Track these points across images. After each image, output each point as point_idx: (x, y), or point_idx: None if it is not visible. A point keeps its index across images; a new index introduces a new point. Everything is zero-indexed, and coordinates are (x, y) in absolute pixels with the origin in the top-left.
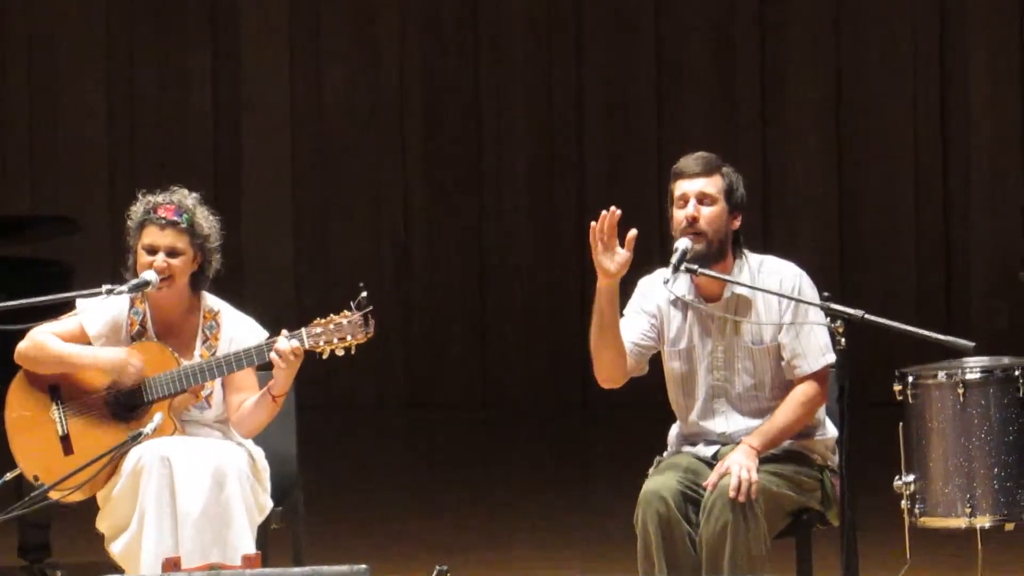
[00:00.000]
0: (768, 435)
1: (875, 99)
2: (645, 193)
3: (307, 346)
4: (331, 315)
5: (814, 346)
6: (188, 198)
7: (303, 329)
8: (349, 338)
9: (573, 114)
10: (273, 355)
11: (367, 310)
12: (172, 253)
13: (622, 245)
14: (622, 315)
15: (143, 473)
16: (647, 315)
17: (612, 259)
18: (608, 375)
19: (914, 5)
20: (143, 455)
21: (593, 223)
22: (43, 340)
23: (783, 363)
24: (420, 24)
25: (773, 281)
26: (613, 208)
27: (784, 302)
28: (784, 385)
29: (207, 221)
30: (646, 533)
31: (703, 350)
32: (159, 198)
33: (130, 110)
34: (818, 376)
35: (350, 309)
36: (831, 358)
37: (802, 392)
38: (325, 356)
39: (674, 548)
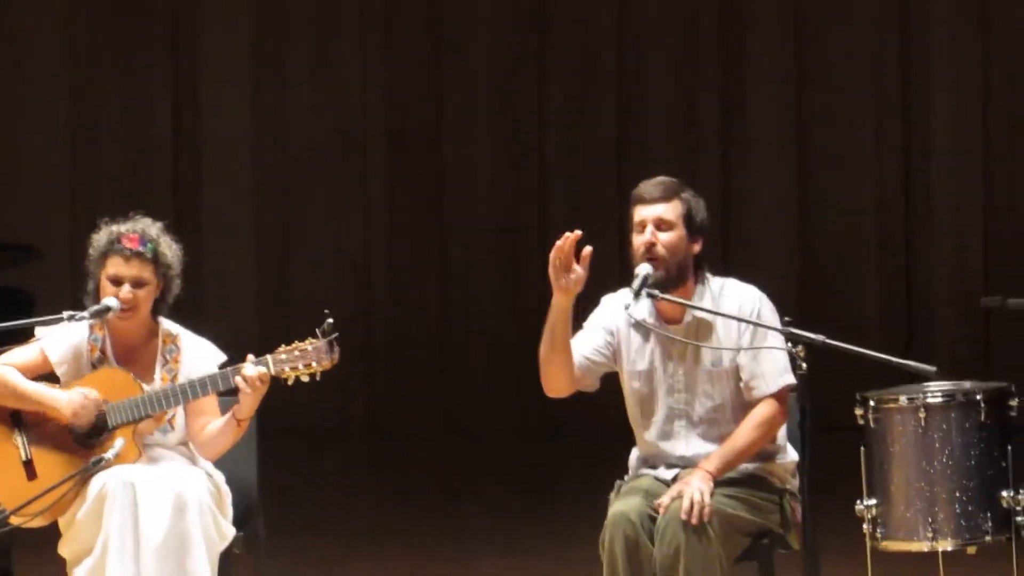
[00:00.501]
0: (725, 458)
1: (836, 121)
2: (607, 213)
3: (273, 372)
4: (296, 342)
5: (772, 367)
6: (152, 227)
7: (269, 355)
8: (315, 364)
9: (536, 135)
10: (239, 380)
11: (332, 336)
12: (137, 284)
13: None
14: (581, 328)
15: (107, 499)
16: (605, 332)
17: (568, 277)
18: (555, 386)
19: (875, 24)
20: (108, 481)
21: (558, 242)
22: (5, 375)
23: (742, 384)
24: (381, 50)
25: (733, 304)
26: (576, 231)
27: (743, 324)
28: (744, 407)
29: (170, 249)
30: (612, 556)
31: (663, 372)
32: (123, 227)
33: (92, 138)
34: (777, 397)
35: (315, 336)
36: (789, 379)
37: (760, 413)
38: (291, 382)
39: (640, 570)
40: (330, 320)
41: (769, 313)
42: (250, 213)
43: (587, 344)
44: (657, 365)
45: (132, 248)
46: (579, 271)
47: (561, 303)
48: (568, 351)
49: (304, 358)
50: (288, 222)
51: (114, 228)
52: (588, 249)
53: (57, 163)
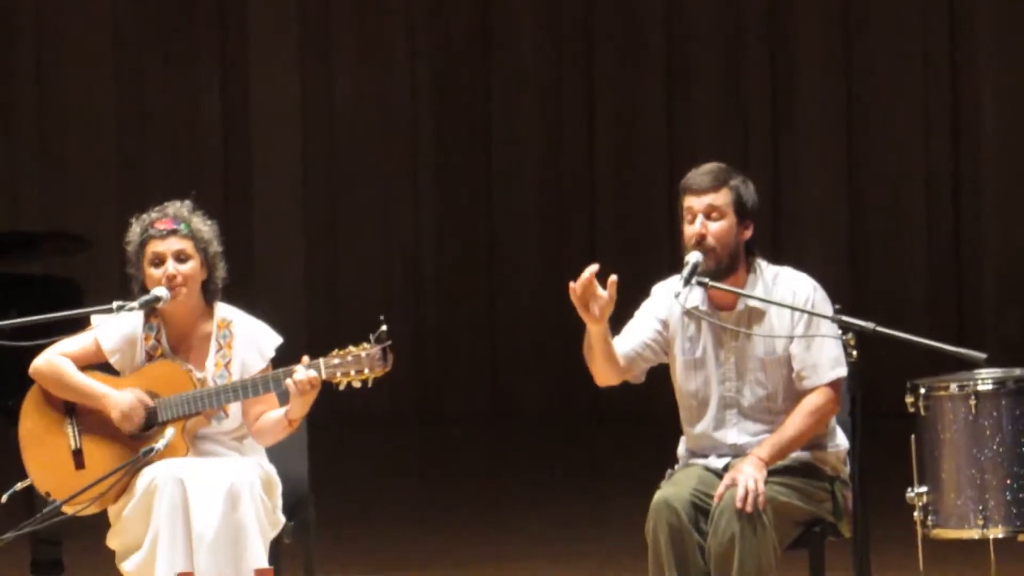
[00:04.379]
0: (777, 446)
1: (885, 107)
2: (656, 201)
3: (324, 377)
4: (350, 346)
5: (824, 359)
6: (183, 208)
7: (321, 359)
8: (366, 371)
9: (584, 123)
10: (290, 383)
11: (386, 344)
12: (180, 258)
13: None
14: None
15: (156, 494)
16: (657, 322)
17: (595, 307)
18: (602, 379)
19: (924, 12)
20: (156, 475)
21: (572, 283)
22: (60, 366)
23: (793, 374)
24: (430, 35)
25: (787, 293)
26: (591, 267)
27: (797, 314)
28: (795, 396)
29: (205, 226)
30: (657, 543)
31: (715, 360)
32: (153, 214)
33: (140, 125)
34: (829, 387)
35: (368, 341)
36: (842, 371)
37: (811, 403)
38: (342, 387)
39: (685, 558)
40: (384, 328)
41: (823, 303)
42: (299, 199)
43: (636, 336)
44: (709, 353)
45: (167, 227)
46: (604, 296)
47: (594, 331)
48: (611, 355)
49: (356, 364)
50: (337, 208)
51: (144, 217)
52: (613, 278)
53: (105, 151)
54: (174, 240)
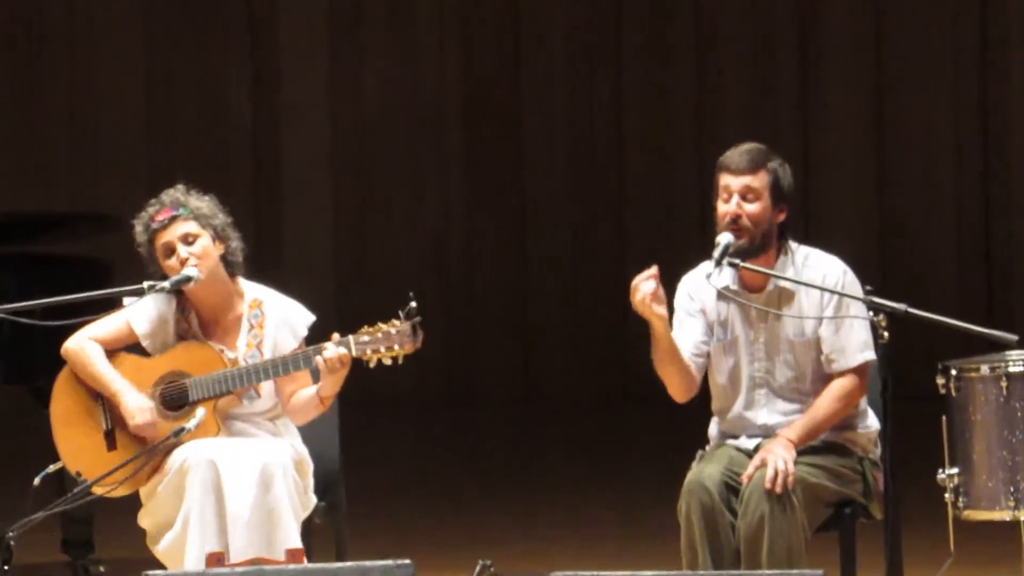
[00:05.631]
0: (806, 428)
1: (914, 90)
2: (686, 187)
3: (354, 354)
4: (379, 324)
5: (853, 342)
6: (176, 192)
7: (351, 336)
8: (397, 347)
9: (612, 108)
10: (320, 360)
11: (415, 320)
12: (187, 240)
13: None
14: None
15: (188, 474)
16: (698, 318)
17: (658, 306)
18: (681, 393)
19: (955, 2)
20: (188, 456)
21: (642, 289)
22: (87, 352)
23: (822, 357)
24: (459, 21)
25: (817, 275)
26: (650, 272)
27: (827, 295)
28: (824, 379)
29: (203, 202)
30: (690, 523)
31: (746, 340)
32: (151, 210)
33: (169, 108)
34: (856, 371)
35: (398, 318)
36: (870, 355)
37: (840, 386)
38: (372, 364)
39: (717, 538)
40: (413, 304)
41: (852, 285)
42: (329, 183)
43: (689, 340)
44: (740, 333)
45: (167, 216)
46: (661, 294)
47: (660, 329)
48: (682, 361)
49: (387, 340)
50: (366, 191)
51: (143, 215)
52: (654, 269)
53: (135, 135)
54: (178, 225)
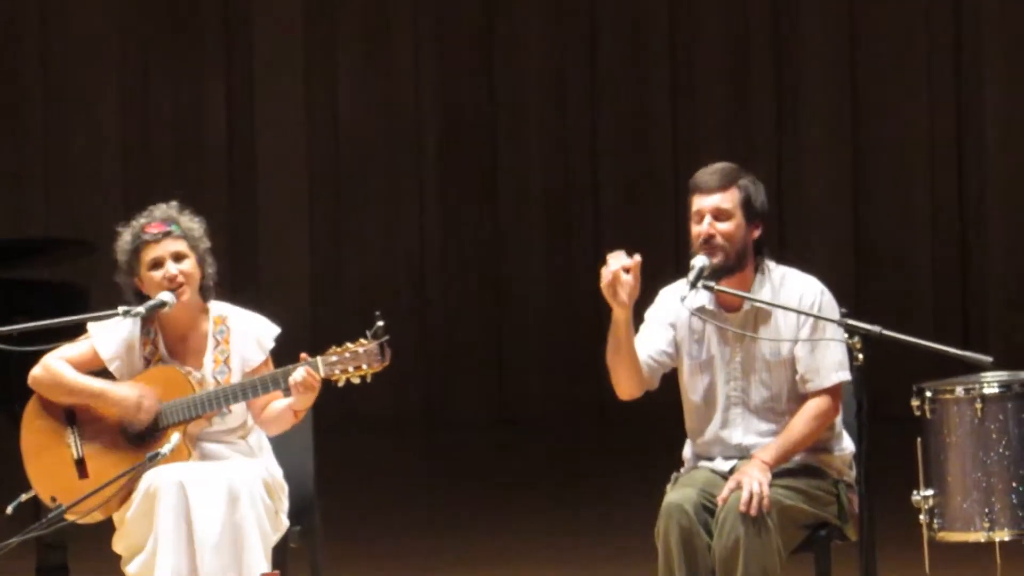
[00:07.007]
0: (781, 449)
1: (890, 108)
2: (662, 204)
3: (323, 374)
4: (347, 343)
5: (828, 362)
6: (170, 208)
7: (319, 357)
8: (365, 367)
9: (588, 127)
10: (289, 382)
11: (383, 340)
12: (177, 258)
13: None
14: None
15: (157, 497)
16: (667, 327)
17: (622, 292)
18: (625, 389)
19: (928, 12)
20: (155, 479)
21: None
22: (57, 369)
23: (797, 376)
24: (434, 41)
25: (794, 296)
26: (629, 255)
27: (802, 316)
28: (799, 398)
29: (194, 224)
30: (667, 546)
31: (722, 359)
32: (142, 220)
33: (144, 131)
34: (831, 392)
35: (366, 337)
36: (844, 375)
37: (815, 406)
38: (341, 384)
39: (695, 560)
40: (381, 323)
41: (829, 306)
42: (305, 199)
43: (650, 345)
44: (716, 352)
45: (159, 230)
46: (630, 281)
47: (620, 316)
48: (634, 356)
49: (355, 360)
50: (341, 211)
51: (133, 223)
52: (637, 258)
53: (109, 155)
54: (168, 242)
